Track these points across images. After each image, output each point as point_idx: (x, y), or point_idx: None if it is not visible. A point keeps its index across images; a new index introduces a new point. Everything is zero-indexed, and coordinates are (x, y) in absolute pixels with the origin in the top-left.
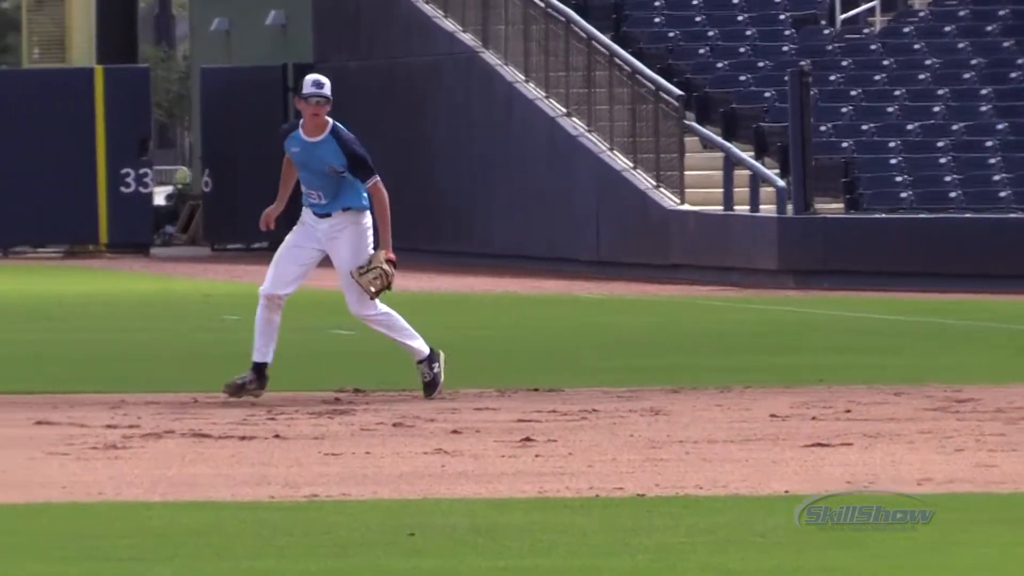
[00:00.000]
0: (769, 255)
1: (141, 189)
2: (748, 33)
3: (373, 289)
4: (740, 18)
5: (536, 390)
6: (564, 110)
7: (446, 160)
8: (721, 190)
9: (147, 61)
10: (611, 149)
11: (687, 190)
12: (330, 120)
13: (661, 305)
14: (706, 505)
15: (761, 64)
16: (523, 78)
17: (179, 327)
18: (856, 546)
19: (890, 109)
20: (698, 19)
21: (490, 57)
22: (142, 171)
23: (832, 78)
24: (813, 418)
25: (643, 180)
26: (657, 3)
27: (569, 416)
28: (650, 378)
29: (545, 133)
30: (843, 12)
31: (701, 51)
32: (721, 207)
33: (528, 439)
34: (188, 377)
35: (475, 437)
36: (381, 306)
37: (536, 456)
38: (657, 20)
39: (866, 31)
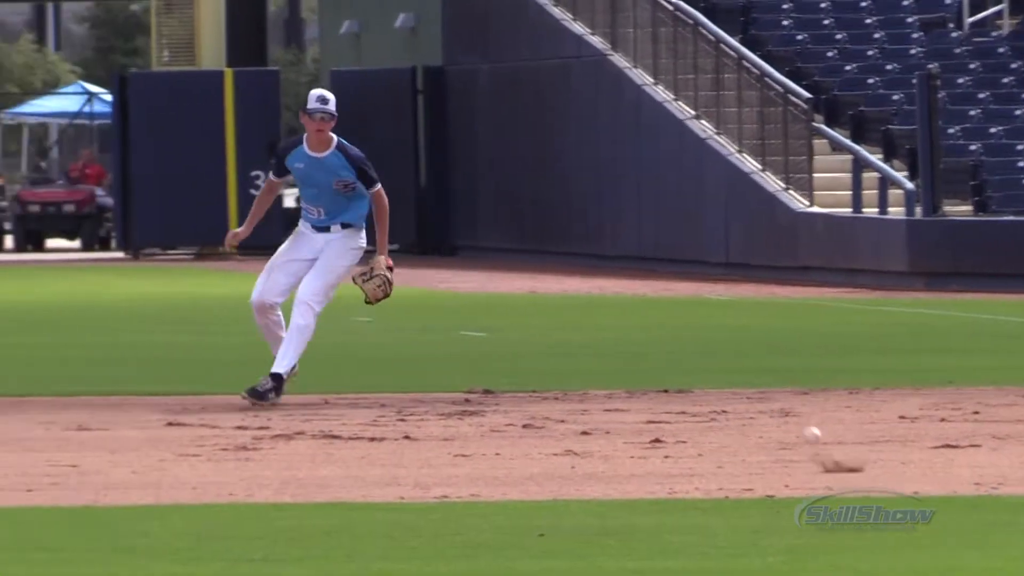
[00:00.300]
0: (898, 257)
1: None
2: (876, 36)
3: (379, 295)
4: (868, 21)
5: (666, 391)
6: (693, 113)
7: (575, 162)
8: (850, 192)
9: (277, 64)
10: (740, 151)
11: (816, 192)
12: (334, 135)
13: (790, 307)
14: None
15: (889, 67)
16: (652, 81)
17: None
18: (990, 549)
19: (1018, 112)
20: (826, 22)
21: (619, 60)
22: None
23: (960, 81)
24: (942, 419)
25: (772, 182)
26: (785, 6)
27: (699, 417)
28: (779, 379)
29: (674, 136)
30: (971, 15)
31: (829, 54)
32: (850, 209)
33: (658, 440)
34: (318, 379)
35: (605, 438)
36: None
37: (665, 457)
38: (785, 23)
39: (994, 34)
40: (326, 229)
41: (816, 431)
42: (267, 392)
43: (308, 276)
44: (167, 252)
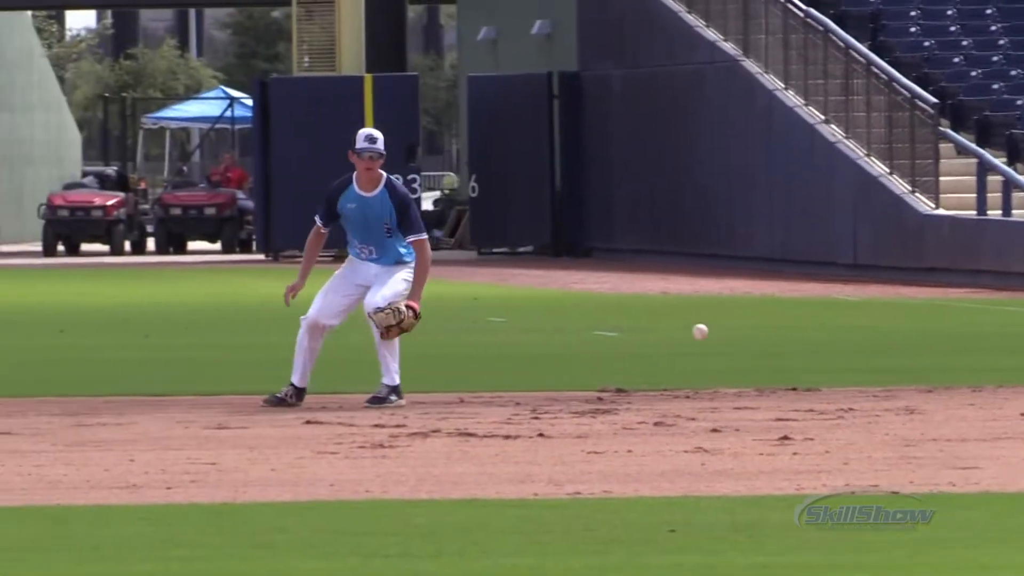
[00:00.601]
0: (1021, 258)
1: (409, 193)
2: (1001, 43)
3: (388, 323)
4: (993, 28)
5: (794, 389)
6: (822, 117)
7: (707, 166)
8: (975, 195)
9: (415, 69)
10: (868, 155)
11: (942, 195)
12: (383, 173)
13: (916, 307)
14: (959, 502)
15: (1014, 73)
16: (783, 86)
17: (447, 328)
18: None
19: None
20: (952, 29)
21: (751, 65)
22: (410, 177)
23: None
24: None
25: (899, 185)
26: (913, 13)
27: (826, 415)
28: (905, 378)
29: (804, 139)
30: None
31: (956, 60)
32: (975, 212)
33: (786, 437)
34: (455, 377)
35: (734, 435)
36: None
37: (794, 454)
38: (913, 30)
39: None
40: (377, 263)
41: (703, 327)
42: (388, 396)
43: (373, 288)
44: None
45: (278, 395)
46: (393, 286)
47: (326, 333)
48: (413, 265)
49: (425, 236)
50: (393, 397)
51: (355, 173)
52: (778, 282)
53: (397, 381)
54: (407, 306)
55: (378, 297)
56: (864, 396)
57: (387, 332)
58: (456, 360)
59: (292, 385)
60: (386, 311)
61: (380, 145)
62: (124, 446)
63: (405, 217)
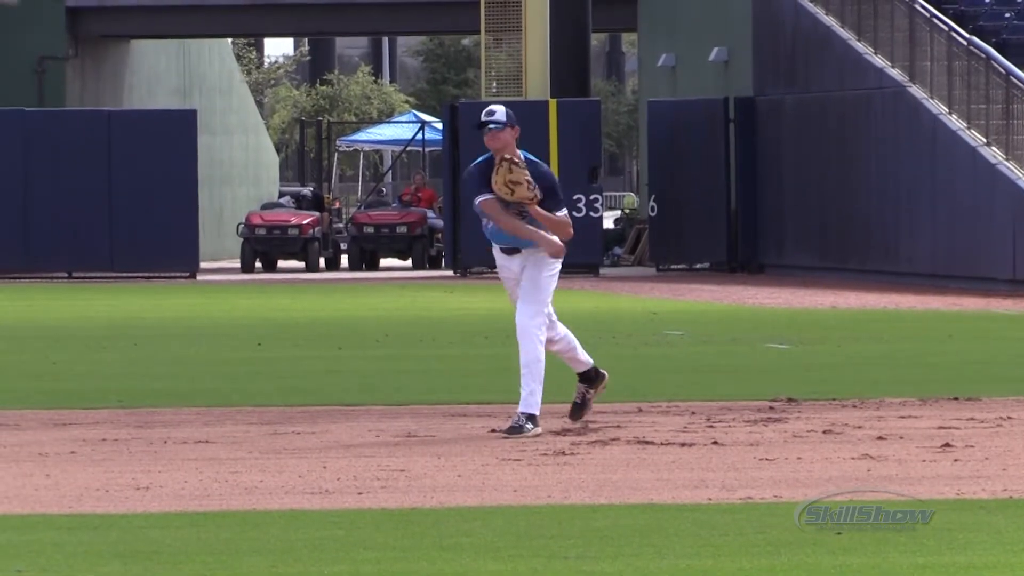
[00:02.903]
0: None
1: (592, 213)
2: None
3: (503, 183)
4: None
5: (956, 399)
6: (984, 140)
7: (874, 186)
8: None
9: (598, 94)
10: None
11: None
12: (519, 151)
13: None
14: None
15: None
16: (946, 110)
17: (627, 341)
18: None
19: None
20: None
21: (916, 91)
22: (592, 197)
23: None
24: None
25: None
26: None
27: (986, 423)
28: None
29: (966, 161)
30: None
31: None
32: None
33: (948, 445)
34: (632, 387)
35: (899, 443)
36: (555, 330)
37: (955, 460)
38: None
39: None
40: (516, 251)
41: None
42: (522, 426)
43: (520, 303)
44: (492, 271)
45: (513, 424)
46: (538, 294)
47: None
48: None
49: (565, 212)
50: (529, 426)
51: (488, 155)
52: (940, 296)
53: (536, 411)
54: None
55: (520, 312)
56: (1022, 405)
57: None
58: (635, 371)
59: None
60: (512, 183)
61: (500, 116)
62: (317, 453)
63: (550, 192)
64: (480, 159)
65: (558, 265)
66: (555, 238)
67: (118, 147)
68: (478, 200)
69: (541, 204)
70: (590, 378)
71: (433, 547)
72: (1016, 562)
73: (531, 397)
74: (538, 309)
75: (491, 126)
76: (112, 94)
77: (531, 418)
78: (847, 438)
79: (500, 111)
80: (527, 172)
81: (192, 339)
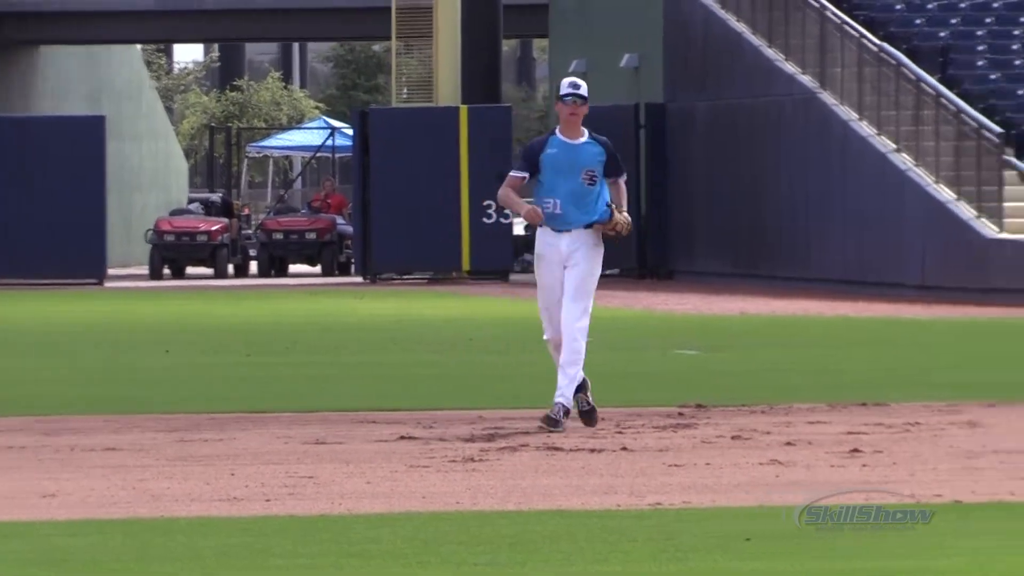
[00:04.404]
0: None
1: (502, 220)
2: None
3: (621, 233)
4: None
5: (864, 404)
6: (894, 146)
7: (785, 192)
8: None
9: (509, 100)
10: (936, 182)
11: (1006, 220)
12: (585, 129)
13: (980, 326)
14: (1020, 511)
15: None
16: (856, 117)
17: (536, 347)
18: None
19: None
20: (1017, 62)
21: (827, 98)
22: None
23: None
24: None
25: (965, 211)
26: (980, 48)
27: (894, 429)
28: (969, 393)
29: (876, 167)
30: None
31: (1020, 92)
32: None
33: (856, 450)
34: (541, 394)
35: (807, 448)
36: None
37: (863, 466)
38: (980, 63)
39: None
40: (567, 231)
41: None
42: (555, 420)
43: (567, 299)
44: (402, 277)
45: (551, 415)
46: (588, 292)
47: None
48: (598, 234)
49: (625, 179)
50: (565, 421)
51: (557, 127)
52: (850, 303)
53: (570, 405)
54: (626, 222)
55: (570, 315)
56: (930, 411)
57: (618, 236)
58: (543, 378)
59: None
60: (616, 224)
61: (584, 91)
62: (225, 460)
63: (614, 159)
64: (540, 137)
65: (601, 258)
66: (532, 214)
67: (27, 153)
68: (509, 177)
69: (609, 167)
70: (583, 385)
71: (341, 554)
72: (925, 567)
73: (568, 390)
74: (585, 308)
75: (575, 99)
76: (21, 100)
77: (567, 412)
78: (756, 444)
79: (584, 85)
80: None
81: (99, 346)
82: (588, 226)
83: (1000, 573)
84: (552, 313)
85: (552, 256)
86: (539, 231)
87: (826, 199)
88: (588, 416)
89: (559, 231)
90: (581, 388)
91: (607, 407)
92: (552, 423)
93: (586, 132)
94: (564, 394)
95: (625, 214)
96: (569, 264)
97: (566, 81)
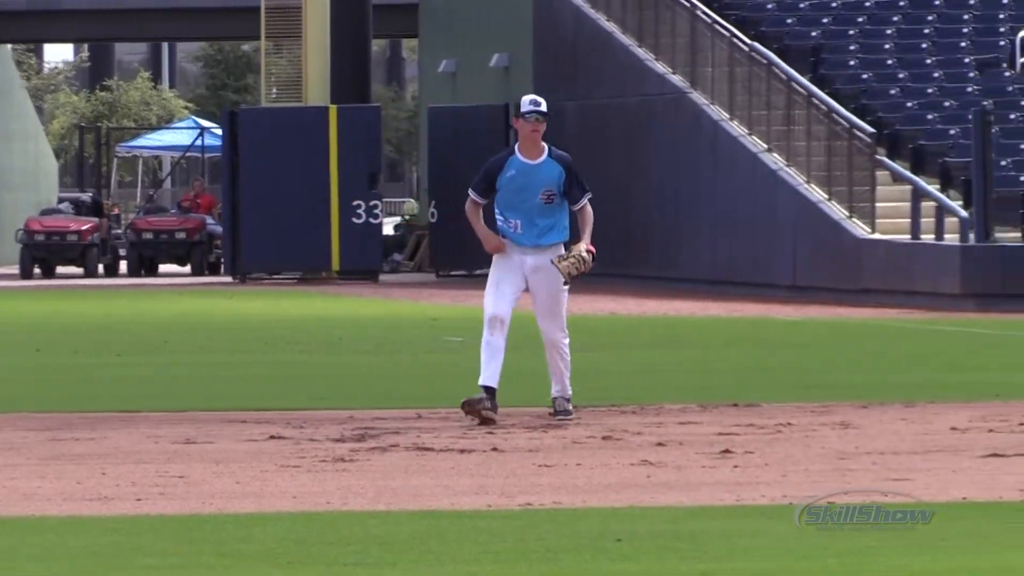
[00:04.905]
0: (952, 280)
1: (371, 220)
2: (935, 75)
3: (572, 274)
4: (928, 61)
5: (735, 405)
6: (765, 146)
7: (655, 192)
8: (909, 220)
9: (378, 100)
10: (808, 182)
11: (877, 220)
12: (545, 143)
13: (852, 327)
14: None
15: (947, 104)
16: (727, 116)
17: (406, 347)
18: None
19: None
20: (889, 62)
21: (697, 97)
22: (372, 203)
23: (1012, 116)
24: (990, 431)
25: (837, 211)
26: (852, 47)
27: (765, 429)
28: (840, 394)
29: (747, 167)
30: (1022, 55)
31: (892, 92)
32: (909, 236)
33: (727, 451)
34: (413, 394)
35: (678, 449)
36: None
37: (735, 467)
38: (852, 63)
39: None
40: (532, 249)
41: None
42: (568, 410)
43: (543, 316)
44: (272, 276)
45: (559, 409)
46: (563, 307)
47: (506, 330)
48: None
49: (589, 197)
50: (572, 409)
51: (516, 144)
52: (721, 302)
53: (570, 394)
54: (587, 251)
55: (554, 328)
56: (802, 411)
57: (569, 279)
58: (414, 378)
59: (482, 388)
60: (571, 261)
61: (544, 107)
62: (96, 460)
63: (574, 180)
64: (498, 156)
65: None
66: (491, 242)
67: None
68: (470, 198)
69: (568, 188)
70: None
71: (212, 553)
72: (797, 567)
73: (567, 385)
74: (563, 322)
75: (536, 116)
76: None
77: (568, 399)
78: (626, 444)
79: (544, 102)
80: (570, 258)
81: None
82: (552, 244)
83: (872, 571)
84: (499, 288)
85: (512, 266)
86: (504, 241)
87: (697, 199)
88: (565, 412)
89: (521, 250)
90: (490, 393)
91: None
92: (566, 412)
93: (546, 148)
94: (561, 392)
95: (582, 249)
96: (532, 281)
97: (527, 98)
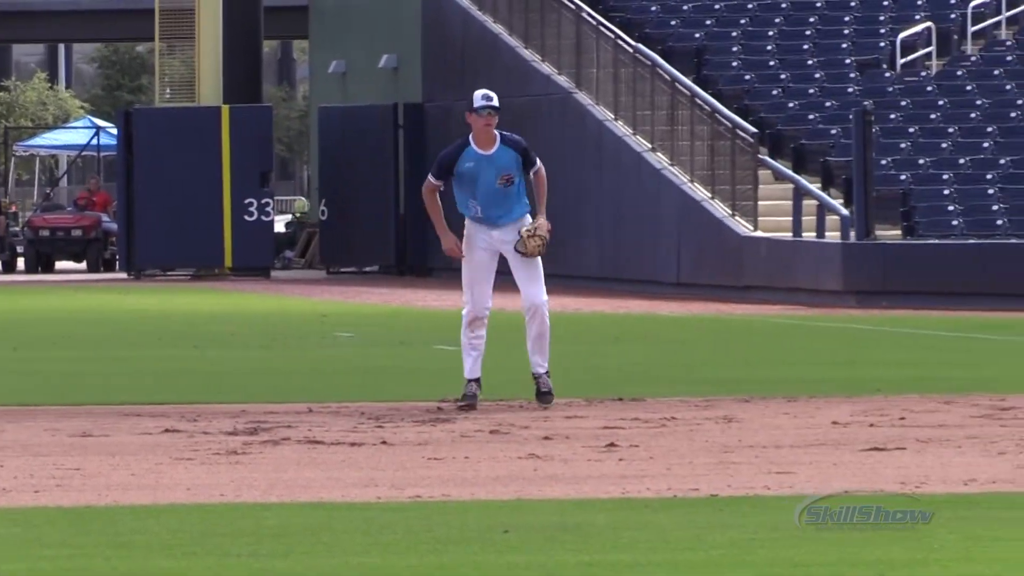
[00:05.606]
0: (833, 277)
1: (263, 218)
2: (817, 76)
3: (535, 253)
4: (810, 62)
5: (621, 399)
6: (649, 146)
7: None
8: (791, 218)
9: (270, 100)
10: (691, 181)
11: (760, 218)
12: (496, 131)
13: (735, 323)
14: (774, 504)
15: (828, 104)
16: (612, 117)
17: (297, 343)
18: (908, 541)
19: (944, 145)
20: (772, 63)
21: (583, 98)
22: (264, 201)
23: (892, 116)
24: (871, 425)
25: (720, 209)
26: (735, 48)
27: (650, 423)
28: (724, 389)
29: (632, 167)
30: (902, 57)
31: (774, 92)
32: (790, 234)
33: (613, 444)
34: (304, 388)
35: (565, 443)
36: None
37: (620, 460)
38: (735, 64)
39: (923, 74)
40: (496, 226)
41: None
42: (549, 393)
43: (524, 282)
44: (166, 273)
45: (467, 395)
46: (539, 272)
47: (486, 321)
48: (526, 222)
49: (540, 164)
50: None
51: (470, 135)
52: (607, 299)
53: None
54: (548, 230)
55: (535, 292)
56: (686, 406)
57: (531, 255)
58: (305, 372)
59: (468, 381)
60: (536, 240)
61: (496, 102)
62: None
63: (528, 157)
64: (453, 145)
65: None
66: (448, 242)
67: None
68: (428, 181)
69: (524, 163)
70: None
71: (108, 545)
72: (680, 560)
73: (546, 359)
74: (542, 286)
75: (489, 111)
76: None
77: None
78: (514, 438)
79: (496, 97)
80: (536, 237)
81: None
82: (516, 219)
83: (754, 563)
84: (476, 290)
85: (483, 242)
86: (472, 225)
87: (583, 198)
88: (549, 395)
89: (487, 227)
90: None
91: (367, 402)
92: (548, 397)
93: (498, 136)
94: (544, 365)
95: (544, 227)
96: (507, 251)
97: (479, 94)
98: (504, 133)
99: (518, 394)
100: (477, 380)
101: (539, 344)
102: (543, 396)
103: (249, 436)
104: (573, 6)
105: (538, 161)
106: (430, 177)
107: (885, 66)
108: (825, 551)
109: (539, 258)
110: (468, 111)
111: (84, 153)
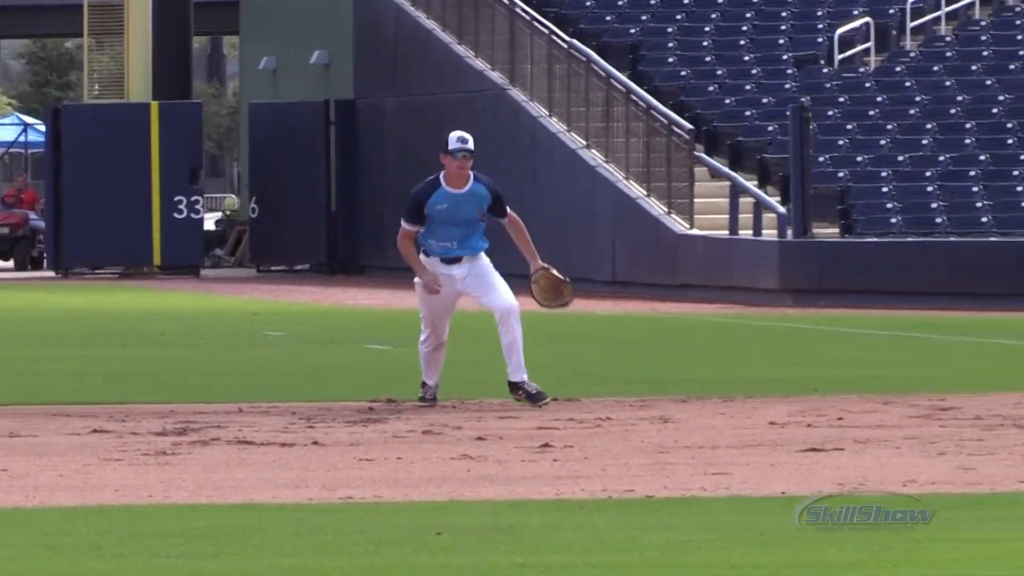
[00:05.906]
0: (770, 276)
1: (192, 215)
2: (753, 72)
3: (569, 293)
4: (746, 58)
5: (555, 399)
6: (584, 143)
7: None
8: (727, 216)
9: (199, 97)
10: (627, 178)
11: (696, 216)
12: (469, 171)
13: (670, 322)
14: (710, 505)
15: (765, 100)
16: (546, 113)
17: (227, 342)
18: (850, 543)
19: (882, 142)
20: (708, 59)
21: (516, 94)
22: (193, 198)
23: (830, 113)
24: (808, 425)
25: (656, 207)
26: (670, 44)
27: (585, 424)
28: (660, 389)
29: (566, 164)
30: (840, 53)
31: (710, 88)
32: (727, 232)
33: (547, 445)
34: (233, 388)
35: (498, 443)
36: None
37: (554, 461)
38: (671, 60)
39: (861, 70)
40: (456, 260)
41: None
42: (539, 393)
43: (489, 294)
44: (94, 272)
45: (426, 398)
46: (499, 282)
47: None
48: (483, 257)
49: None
50: (534, 385)
51: (442, 174)
52: None
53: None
54: (549, 269)
55: (500, 298)
56: (621, 406)
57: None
58: (235, 372)
59: (426, 384)
60: (562, 286)
61: (471, 144)
62: None
63: (500, 200)
64: (424, 185)
65: (486, 258)
66: (427, 278)
67: None
68: (403, 228)
69: (495, 207)
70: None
71: (37, 546)
72: (615, 561)
73: (521, 366)
74: (509, 292)
75: (464, 154)
76: None
77: (523, 384)
78: (447, 438)
79: (471, 139)
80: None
81: None
82: (475, 252)
83: (691, 565)
84: (436, 325)
85: (448, 284)
86: (428, 259)
87: (517, 195)
88: (537, 397)
89: (451, 263)
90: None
91: (298, 402)
92: (538, 397)
93: (471, 176)
94: (522, 367)
95: (552, 269)
96: (468, 284)
97: (454, 136)
98: (475, 172)
99: (450, 394)
100: (436, 385)
101: (511, 353)
102: (534, 398)
103: (178, 436)
104: (507, 2)
105: (509, 209)
106: (405, 225)
107: (823, 62)
108: (760, 554)
109: (491, 266)
110: (443, 153)
111: (11, 150)
